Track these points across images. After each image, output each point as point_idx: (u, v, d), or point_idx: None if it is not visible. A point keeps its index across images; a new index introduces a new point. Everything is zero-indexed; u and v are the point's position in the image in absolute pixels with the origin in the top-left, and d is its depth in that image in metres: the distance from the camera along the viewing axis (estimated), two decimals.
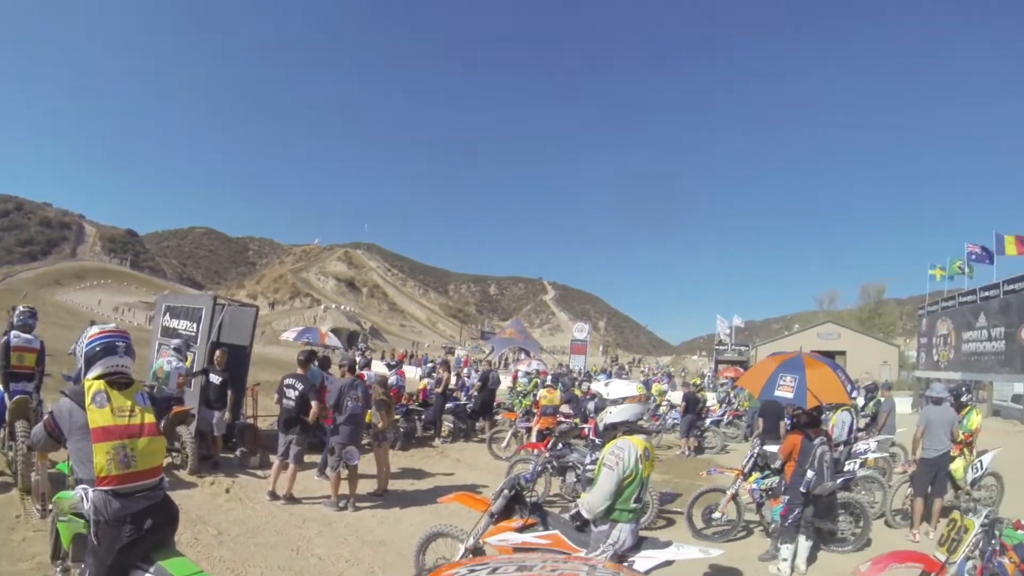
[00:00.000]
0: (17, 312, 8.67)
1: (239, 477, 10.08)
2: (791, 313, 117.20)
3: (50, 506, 4.82)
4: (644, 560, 4.63)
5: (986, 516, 4.26)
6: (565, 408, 14.89)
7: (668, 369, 69.64)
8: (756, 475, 8.83)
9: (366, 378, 11.12)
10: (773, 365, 8.45)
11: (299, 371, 9.51)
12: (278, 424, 9.52)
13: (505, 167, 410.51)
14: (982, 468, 9.56)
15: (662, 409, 21.26)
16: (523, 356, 35.31)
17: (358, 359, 18.96)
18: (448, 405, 16.70)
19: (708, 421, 18.84)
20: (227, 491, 9.21)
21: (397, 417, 13.71)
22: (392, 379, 14.02)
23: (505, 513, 5.26)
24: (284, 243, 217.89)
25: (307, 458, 9.92)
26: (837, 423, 10.28)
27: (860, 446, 11.19)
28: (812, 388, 7.71)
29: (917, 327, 40.13)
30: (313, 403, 9.08)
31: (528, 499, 5.41)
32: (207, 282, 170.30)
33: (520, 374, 22.97)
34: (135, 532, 3.56)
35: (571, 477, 9.65)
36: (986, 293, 28.77)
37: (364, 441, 10.28)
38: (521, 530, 5.07)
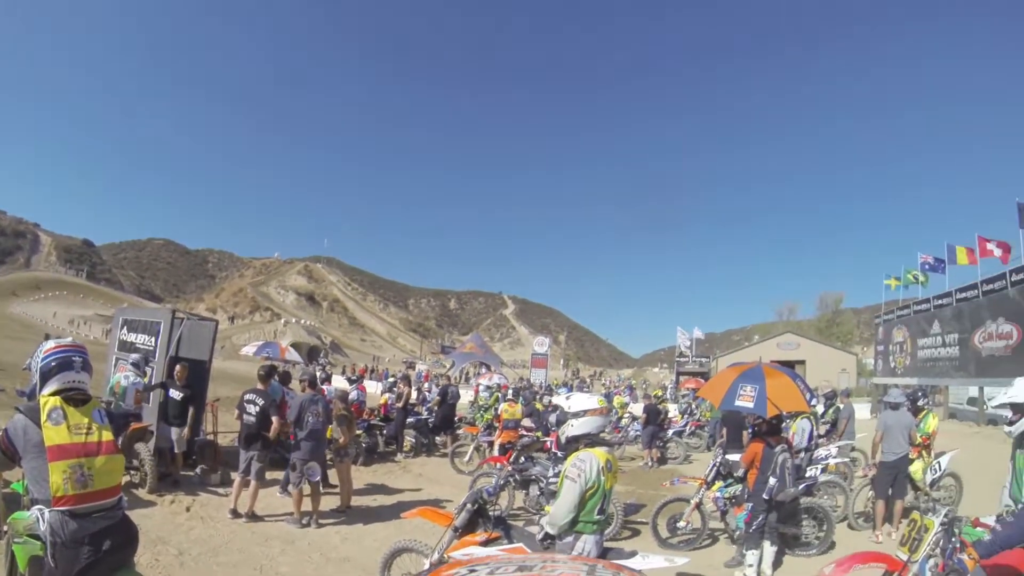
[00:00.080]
0: None
1: (200, 495, 9.87)
2: (751, 324, 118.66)
3: (4, 527, 4.66)
4: (642, 560, 4.64)
5: (945, 515, 4.35)
6: (527, 422, 14.92)
7: (630, 382, 69.91)
8: (719, 484, 8.91)
9: (327, 393, 11.01)
10: (733, 375, 8.55)
11: (259, 386, 9.37)
12: (239, 440, 9.35)
13: (464, 181, 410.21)
14: (940, 469, 9.77)
15: (624, 421, 21.42)
16: (484, 370, 35.29)
17: (319, 374, 18.79)
18: (409, 420, 16.63)
19: (670, 432, 19.00)
20: (188, 510, 9.02)
21: (359, 432, 13.60)
22: (353, 394, 13.90)
23: (469, 527, 5.24)
24: (244, 256, 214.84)
25: (269, 475, 9.79)
26: (797, 431, 10.42)
27: (821, 452, 11.39)
28: (772, 397, 7.80)
29: (874, 335, 40.96)
30: (274, 419, 8.94)
31: (491, 513, 5.40)
32: (166, 295, 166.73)
33: (481, 388, 22.94)
34: (93, 554, 3.46)
35: (534, 490, 9.64)
36: (940, 301, 29.58)
37: (328, 457, 10.20)
38: (485, 544, 5.05)
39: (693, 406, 22.25)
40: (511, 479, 9.51)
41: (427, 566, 5.09)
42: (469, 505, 5.25)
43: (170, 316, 11.72)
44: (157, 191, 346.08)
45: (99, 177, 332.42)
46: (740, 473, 8.42)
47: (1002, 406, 4.93)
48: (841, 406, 14.11)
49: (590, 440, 4.71)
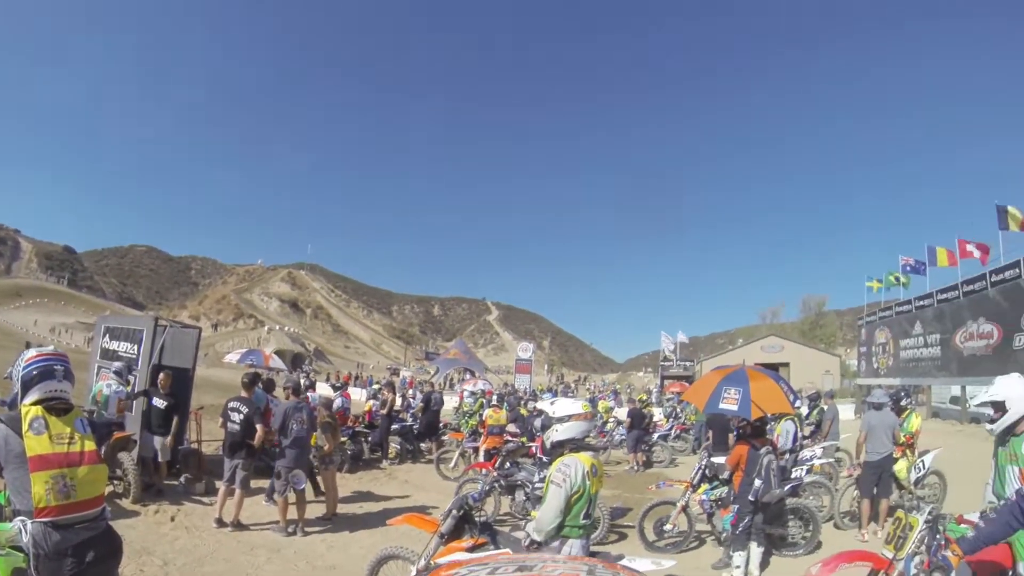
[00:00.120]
0: None
1: (184, 504, 9.79)
2: (735, 328, 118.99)
3: None
4: (629, 563, 4.63)
5: (929, 513, 4.38)
6: (511, 427, 14.93)
7: (614, 386, 70.02)
8: (705, 486, 8.95)
9: (311, 400, 10.97)
10: (717, 379, 8.60)
11: (243, 394, 9.33)
12: (223, 449, 9.28)
13: (446, 188, 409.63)
14: (924, 467, 9.85)
15: (609, 426, 21.43)
16: (468, 376, 35.25)
17: (303, 381, 18.71)
18: (394, 427, 16.59)
19: (656, 436, 19.02)
20: (172, 519, 8.95)
21: (344, 440, 13.55)
22: (338, 401, 13.85)
23: (455, 533, 5.22)
24: (227, 263, 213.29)
25: (254, 483, 9.71)
26: (782, 432, 10.47)
27: (806, 453, 11.45)
28: (756, 399, 7.86)
29: (857, 337, 41.39)
30: (259, 427, 8.89)
31: (477, 518, 5.38)
32: (148, 302, 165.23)
33: (466, 394, 22.92)
34: (77, 565, 3.42)
35: (520, 495, 9.63)
36: (921, 303, 29.95)
37: (314, 465, 10.15)
38: (471, 550, 5.03)
39: (678, 410, 22.31)
40: (497, 485, 9.52)
41: (413, 573, 5.08)
42: (455, 511, 5.23)
43: (153, 324, 11.63)
44: (139, 197, 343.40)
45: (81, 183, 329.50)
46: (726, 475, 8.47)
47: (983, 404, 4.97)
48: (825, 407, 14.18)
49: (575, 445, 4.70)
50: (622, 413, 23.99)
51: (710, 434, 12.90)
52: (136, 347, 11.44)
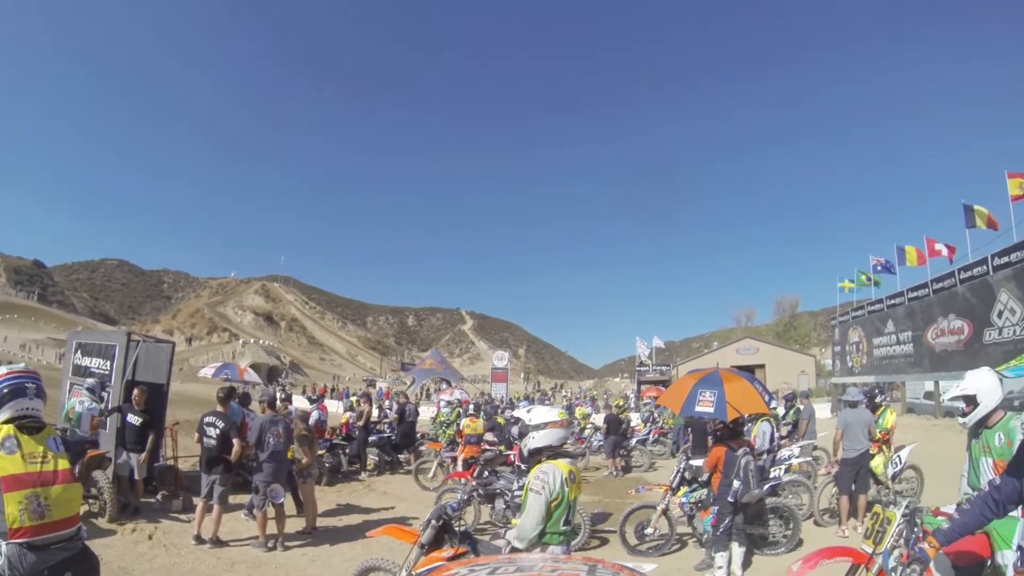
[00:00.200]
0: None
1: (162, 522, 9.66)
2: (710, 331, 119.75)
3: None
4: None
5: (906, 507, 4.43)
6: (489, 436, 14.94)
7: (591, 392, 70.20)
8: (684, 489, 9.02)
9: (291, 412, 10.88)
10: (691, 382, 8.66)
11: (219, 408, 9.21)
12: (200, 464, 9.18)
13: (418, 201, 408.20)
14: (901, 462, 9.97)
15: (587, 432, 21.51)
16: (445, 386, 35.22)
17: (279, 394, 18.58)
18: (372, 438, 16.52)
19: (634, 441, 19.12)
20: (150, 538, 8.81)
21: (322, 452, 13.46)
22: (315, 414, 13.77)
23: (435, 543, 5.20)
24: (200, 276, 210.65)
25: (232, 498, 9.62)
26: (758, 433, 10.58)
27: (784, 453, 11.56)
28: (731, 401, 7.92)
29: (831, 337, 41.92)
30: (236, 441, 8.80)
31: (457, 528, 5.37)
32: (121, 317, 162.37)
33: (442, 404, 22.90)
34: None
35: (500, 504, 9.63)
36: (892, 301, 30.43)
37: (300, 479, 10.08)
38: (451, 559, 5.02)
39: (655, 414, 22.42)
40: (476, 494, 9.54)
41: None
42: (434, 521, 5.22)
43: (125, 339, 11.47)
44: (109, 211, 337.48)
45: (49, 196, 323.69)
46: (704, 478, 8.53)
47: (955, 399, 5.04)
48: (801, 407, 14.31)
49: (552, 452, 4.72)
50: (600, 419, 24.07)
51: (691, 436, 12.96)
52: (109, 363, 11.28)
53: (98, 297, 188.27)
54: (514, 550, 4.65)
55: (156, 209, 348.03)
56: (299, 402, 22.59)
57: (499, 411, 21.40)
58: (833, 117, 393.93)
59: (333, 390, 54.83)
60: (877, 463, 9.85)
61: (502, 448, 14.28)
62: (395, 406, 20.16)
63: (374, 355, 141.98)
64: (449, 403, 21.72)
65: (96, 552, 3.78)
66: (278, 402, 11.20)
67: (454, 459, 14.09)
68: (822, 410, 25.40)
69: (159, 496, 10.69)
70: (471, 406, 19.81)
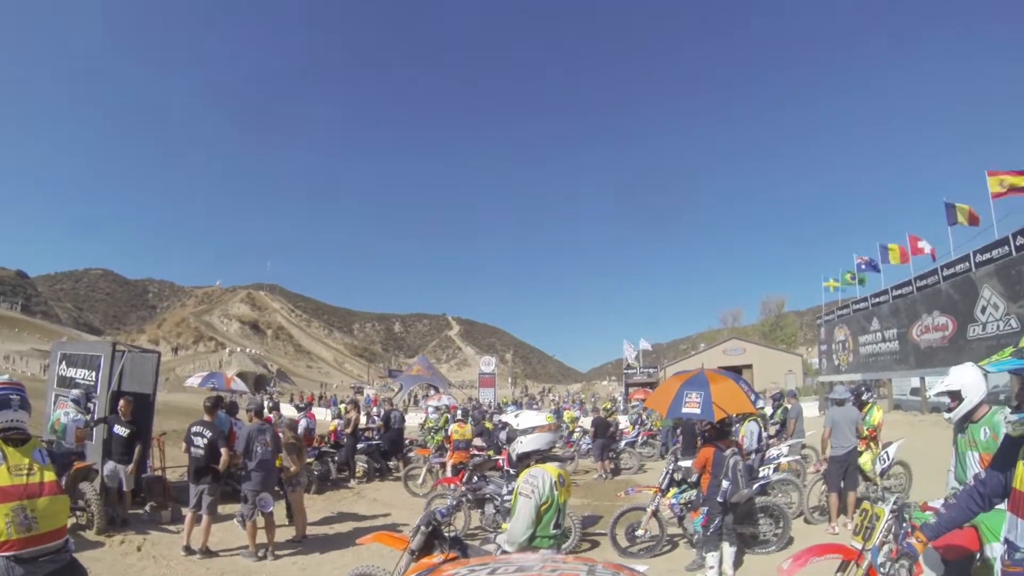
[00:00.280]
0: None
1: (150, 533, 9.59)
2: (697, 333, 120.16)
3: None
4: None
5: (894, 502, 4.47)
6: (478, 441, 14.96)
7: (579, 396, 70.26)
8: (674, 490, 9.04)
9: (273, 422, 10.85)
10: (677, 384, 8.71)
11: (206, 418, 9.17)
12: (188, 475, 9.10)
13: (403, 208, 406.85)
14: (889, 459, 10.03)
15: (575, 435, 21.53)
16: (432, 392, 35.22)
17: (267, 403, 18.51)
18: (360, 445, 16.50)
19: (623, 443, 19.16)
20: (138, 549, 8.76)
21: (310, 460, 13.41)
22: (303, 422, 13.73)
23: (425, 549, 5.18)
24: (185, 285, 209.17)
25: (221, 508, 9.56)
26: (746, 433, 10.64)
27: (773, 452, 11.63)
28: (718, 401, 7.97)
29: (817, 336, 42.16)
30: (223, 450, 8.75)
31: (447, 533, 5.35)
32: (105, 327, 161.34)
33: (430, 410, 22.91)
34: None
35: (490, 509, 9.62)
36: (877, 299, 30.72)
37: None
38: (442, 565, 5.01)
39: (644, 416, 22.47)
40: (465, 499, 9.52)
41: None
42: (423, 527, 5.20)
43: (111, 349, 11.39)
44: (93, 220, 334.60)
45: (32, 205, 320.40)
46: (693, 478, 8.56)
47: (941, 395, 5.08)
48: (789, 406, 14.38)
49: (541, 456, 4.72)
50: (588, 422, 24.14)
51: (681, 437, 13.00)
52: (94, 373, 11.19)
53: (82, 307, 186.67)
54: (505, 554, 4.64)
55: (140, 218, 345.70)
56: (287, 410, 22.53)
57: (487, 416, 21.48)
58: (816, 119, 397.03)
59: (321, 398, 54.69)
60: (865, 460, 9.91)
61: (491, 453, 14.29)
62: (382, 412, 20.18)
63: (361, 362, 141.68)
64: (437, 409, 21.76)
65: (84, 564, 3.76)
66: (267, 411, 11.13)
67: (443, 465, 14.09)
68: (810, 409, 25.56)
69: (147, 507, 10.61)
70: (459, 412, 19.84)
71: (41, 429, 9.87)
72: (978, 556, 4.35)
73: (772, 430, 13.94)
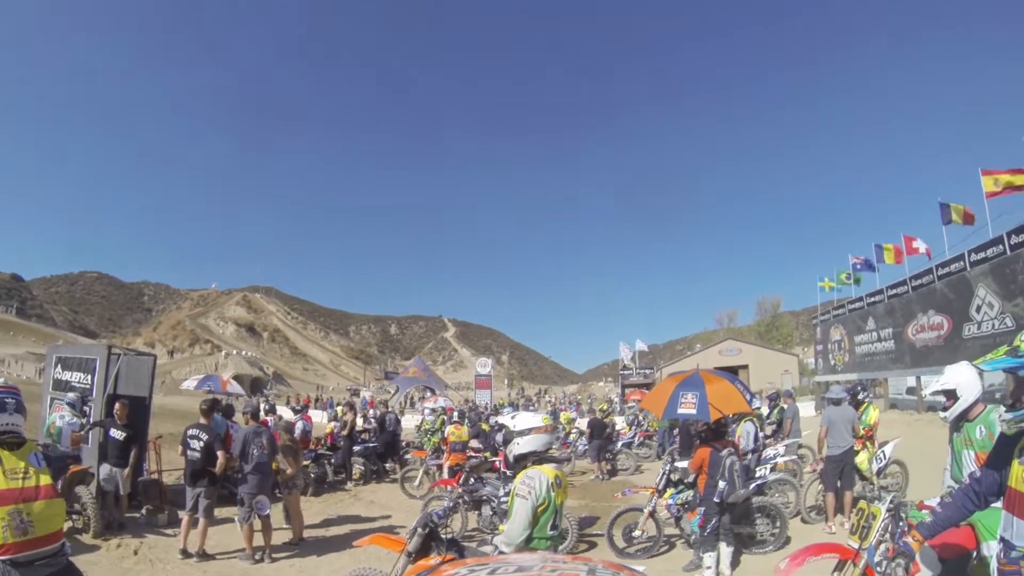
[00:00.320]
0: None
1: (147, 537, 9.56)
2: (693, 333, 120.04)
3: None
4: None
5: (891, 502, 4.48)
6: (474, 443, 14.94)
7: (575, 397, 70.24)
8: (671, 490, 9.06)
9: (269, 423, 10.83)
10: (672, 385, 8.73)
11: (202, 421, 9.16)
12: (184, 478, 9.10)
13: (397, 207, 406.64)
14: (885, 458, 10.04)
15: (572, 437, 21.54)
16: (429, 394, 35.19)
17: (263, 405, 18.47)
18: (356, 447, 16.49)
19: (619, 444, 19.19)
20: (135, 553, 8.71)
21: (307, 463, 13.40)
22: (299, 425, 13.70)
23: (422, 551, 5.18)
24: (180, 288, 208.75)
25: (218, 511, 9.55)
26: (743, 433, 10.67)
27: (769, 452, 11.64)
28: (713, 402, 7.98)
29: (813, 336, 42.17)
30: (220, 453, 8.73)
31: (444, 535, 5.35)
32: (101, 330, 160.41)
33: (427, 412, 22.89)
34: None
35: (487, 510, 9.63)
36: (872, 299, 30.78)
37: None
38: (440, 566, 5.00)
39: (640, 417, 22.47)
40: (462, 501, 9.53)
41: None
42: (420, 529, 5.19)
43: (106, 352, 11.36)
44: (88, 223, 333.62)
45: (27, 208, 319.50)
46: (690, 479, 8.57)
47: (936, 393, 5.10)
48: (785, 406, 14.41)
49: (538, 457, 4.72)
50: (584, 423, 24.14)
51: (678, 438, 13.01)
52: (90, 377, 11.16)
53: (78, 310, 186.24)
54: (502, 555, 4.64)
55: (135, 221, 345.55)
56: (283, 413, 22.51)
57: (483, 418, 21.49)
58: (813, 120, 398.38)
59: (317, 400, 54.53)
60: (862, 459, 9.93)
61: (487, 455, 14.30)
62: (378, 414, 20.17)
63: (357, 364, 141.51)
64: (433, 411, 21.71)
65: (81, 568, 3.75)
66: (263, 413, 11.11)
67: (440, 467, 14.07)
68: (806, 409, 25.63)
69: (144, 511, 10.58)
70: (455, 413, 19.83)
71: (37, 433, 9.86)
72: (974, 554, 4.36)
73: (768, 430, 13.96)
